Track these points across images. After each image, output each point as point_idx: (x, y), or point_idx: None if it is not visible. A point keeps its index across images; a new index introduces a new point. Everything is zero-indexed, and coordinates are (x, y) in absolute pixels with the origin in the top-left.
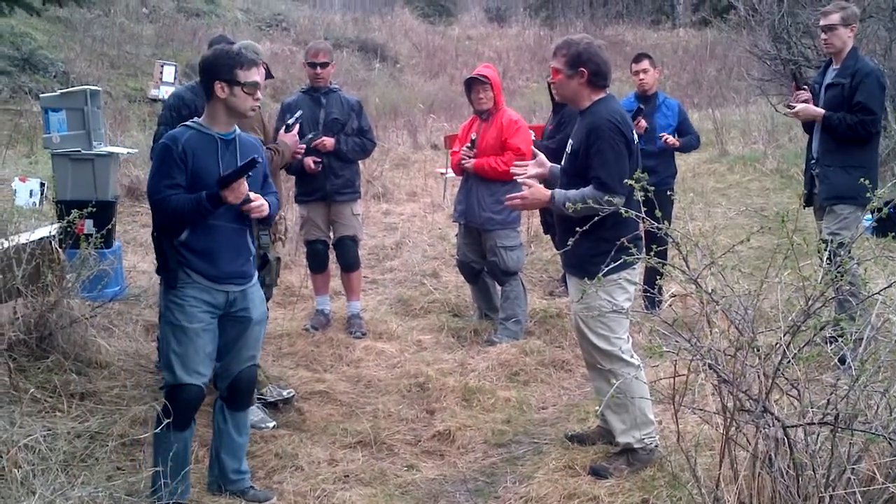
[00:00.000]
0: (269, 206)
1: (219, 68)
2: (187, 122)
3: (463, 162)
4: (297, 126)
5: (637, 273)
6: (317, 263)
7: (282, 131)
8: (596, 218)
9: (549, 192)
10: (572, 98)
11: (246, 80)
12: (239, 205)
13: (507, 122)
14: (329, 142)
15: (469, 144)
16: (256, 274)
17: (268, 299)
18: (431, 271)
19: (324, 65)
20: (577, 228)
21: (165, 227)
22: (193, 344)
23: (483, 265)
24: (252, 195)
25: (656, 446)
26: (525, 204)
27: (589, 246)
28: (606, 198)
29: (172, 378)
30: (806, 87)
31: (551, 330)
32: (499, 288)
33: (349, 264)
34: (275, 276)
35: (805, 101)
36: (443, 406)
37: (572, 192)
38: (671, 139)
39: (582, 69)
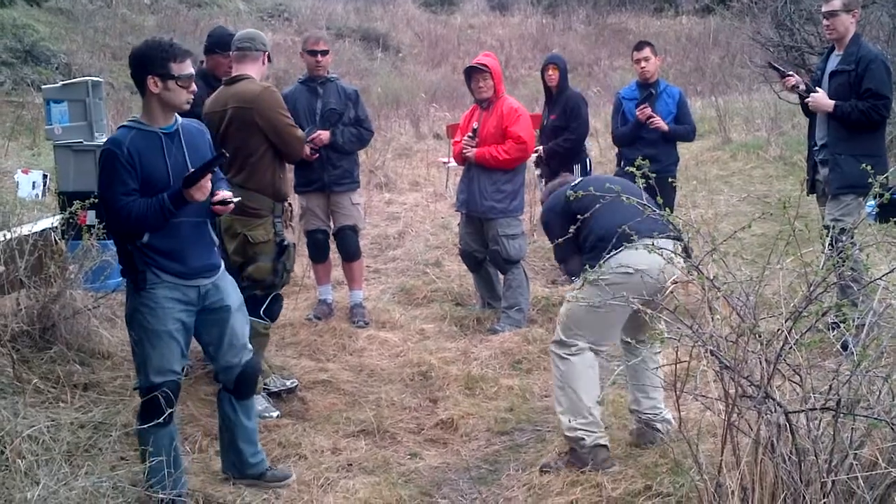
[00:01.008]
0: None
1: (151, 62)
2: (127, 122)
3: (465, 151)
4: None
5: (634, 266)
6: (317, 253)
7: None
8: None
9: None
10: None
11: (180, 73)
12: (209, 203)
13: (507, 111)
14: (324, 135)
15: (471, 134)
16: (223, 263)
17: (283, 286)
18: (434, 260)
19: (324, 52)
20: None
21: (127, 234)
22: (168, 346)
23: (485, 254)
24: (223, 193)
25: (600, 447)
26: None
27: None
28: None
29: (146, 381)
30: (791, 74)
31: (554, 318)
32: (501, 277)
33: (350, 254)
34: (292, 262)
35: (795, 85)
36: (446, 394)
37: None
38: (648, 112)
39: None
